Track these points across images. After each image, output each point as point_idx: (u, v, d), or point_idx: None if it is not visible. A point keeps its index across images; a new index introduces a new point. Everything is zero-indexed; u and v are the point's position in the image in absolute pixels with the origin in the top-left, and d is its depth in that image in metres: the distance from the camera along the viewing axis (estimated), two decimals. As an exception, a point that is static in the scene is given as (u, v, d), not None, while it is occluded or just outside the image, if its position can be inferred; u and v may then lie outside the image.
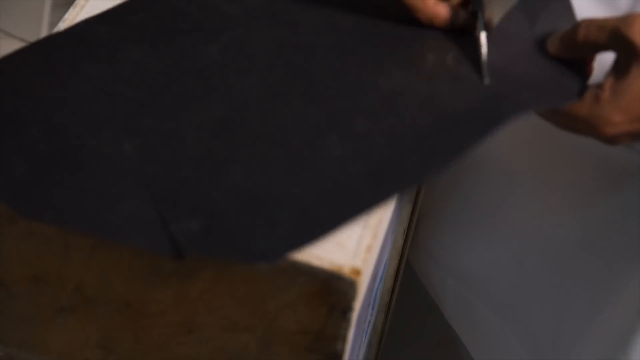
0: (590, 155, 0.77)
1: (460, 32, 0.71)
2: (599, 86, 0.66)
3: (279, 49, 0.70)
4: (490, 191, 0.84)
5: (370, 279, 0.67)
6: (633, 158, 0.75)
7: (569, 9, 0.69)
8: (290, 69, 0.69)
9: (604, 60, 0.69)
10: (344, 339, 0.63)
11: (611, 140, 0.67)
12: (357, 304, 0.62)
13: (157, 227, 0.60)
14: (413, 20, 0.71)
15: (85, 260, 0.64)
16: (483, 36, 0.68)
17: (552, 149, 0.79)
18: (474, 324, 0.90)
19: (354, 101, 0.67)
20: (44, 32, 1.66)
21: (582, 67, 0.68)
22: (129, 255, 0.63)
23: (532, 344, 0.85)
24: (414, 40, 0.71)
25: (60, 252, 0.64)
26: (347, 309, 0.61)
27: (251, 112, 0.66)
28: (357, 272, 0.60)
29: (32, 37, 1.67)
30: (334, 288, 0.61)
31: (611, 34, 0.65)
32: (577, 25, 0.67)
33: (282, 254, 0.59)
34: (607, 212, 0.78)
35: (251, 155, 0.64)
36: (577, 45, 0.67)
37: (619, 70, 0.65)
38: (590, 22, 0.66)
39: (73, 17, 0.72)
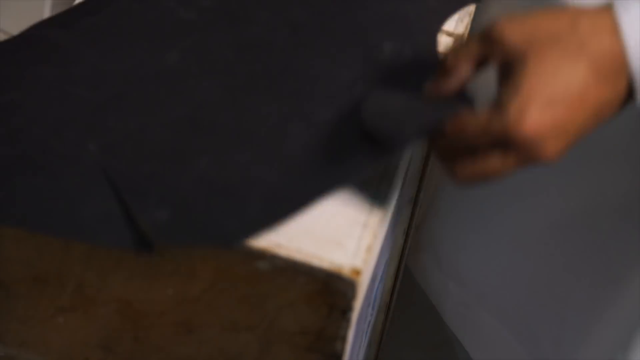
0: (591, 160, 0.77)
1: None
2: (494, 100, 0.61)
3: (238, 52, 0.70)
4: (493, 195, 0.84)
5: (370, 279, 0.67)
6: (634, 162, 0.75)
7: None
8: (250, 70, 0.69)
9: None
10: (344, 339, 0.63)
11: (541, 142, 0.60)
12: (357, 304, 0.62)
13: (123, 223, 0.60)
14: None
15: (85, 260, 0.64)
16: None
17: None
18: (475, 328, 0.90)
19: (316, 92, 0.68)
20: (44, 32, 1.66)
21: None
22: (129, 255, 0.63)
23: (534, 348, 0.85)
24: (371, 30, 0.72)
25: (60, 252, 0.64)
26: (347, 309, 0.61)
27: (215, 110, 0.67)
28: (357, 272, 0.60)
29: (32, 37, 1.67)
30: (334, 288, 0.61)
31: (480, 39, 0.61)
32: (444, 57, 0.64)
33: (250, 235, 0.60)
34: (608, 215, 0.78)
35: (217, 147, 0.64)
36: (450, 71, 0.63)
37: (505, 72, 0.61)
38: (455, 46, 0.64)
39: (73, 17, 0.72)
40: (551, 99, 0.59)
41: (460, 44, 0.64)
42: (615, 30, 0.60)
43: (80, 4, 0.72)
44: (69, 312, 0.67)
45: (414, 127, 0.62)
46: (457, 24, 0.76)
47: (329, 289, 0.61)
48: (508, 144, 0.60)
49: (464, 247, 0.88)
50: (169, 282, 0.64)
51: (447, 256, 0.90)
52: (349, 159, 0.63)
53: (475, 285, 0.88)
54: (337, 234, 0.62)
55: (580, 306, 0.81)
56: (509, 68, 0.61)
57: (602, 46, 0.60)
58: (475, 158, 0.62)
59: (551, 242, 0.82)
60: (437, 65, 0.65)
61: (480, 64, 0.63)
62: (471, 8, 0.78)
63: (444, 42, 0.74)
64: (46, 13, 1.65)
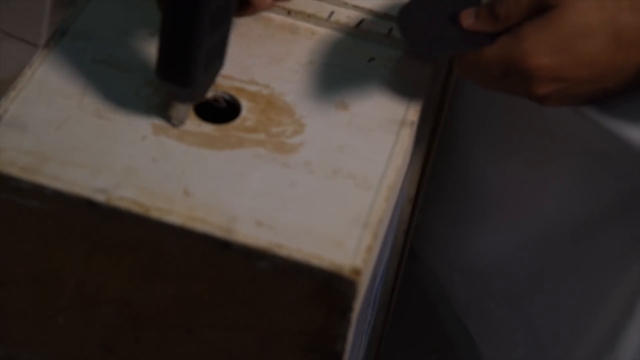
0: (585, 146, 0.77)
1: None
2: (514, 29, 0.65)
3: None
4: (490, 186, 0.84)
5: (370, 279, 0.67)
6: (627, 149, 0.75)
7: None
8: None
9: None
10: (344, 339, 0.63)
11: (539, 81, 0.65)
12: (357, 304, 0.62)
13: None
14: None
15: (85, 260, 0.64)
16: None
17: (547, 143, 0.79)
18: (482, 319, 0.90)
19: None
20: (44, 32, 1.66)
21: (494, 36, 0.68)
22: (129, 255, 0.63)
23: (534, 336, 0.86)
24: None
25: (60, 252, 0.64)
26: (347, 309, 0.61)
27: None
28: (357, 272, 0.60)
29: (32, 37, 1.67)
30: (334, 288, 0.61)
31: None
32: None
33: None
34: (604, 203, 0.78)
35: None
36: (499, 17, 0.66)
37: (535, 10, 0.65)
38: None
39: (73, 17, 0.72)
40: (565, 48, 0.64)
41: None
42: None
43: None
44: (69, 312, 0.67)
45: (440, 49, 0.68)
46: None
47: (329, 289, 0.61)
48: (512, 68, 0.65)
49: (465, 240, 0.88)
50: (169, 282, 0.64)
51: (450, 250, 0.90)
52: None
53: (479, 275, 0.88)
54: (337, 234, 0.62)
55: (576, 296, 0.81)
56: (541, 8, 0.65)
57: (632, 22, 0.64)
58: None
59: (548, 233, 0.82)
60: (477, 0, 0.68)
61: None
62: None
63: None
64: (46, 13, 1.66)
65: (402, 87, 0.71)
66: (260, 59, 0.72)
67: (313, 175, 0.65)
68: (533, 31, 0.64)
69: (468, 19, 0.68)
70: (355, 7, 0.75)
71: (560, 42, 0.64)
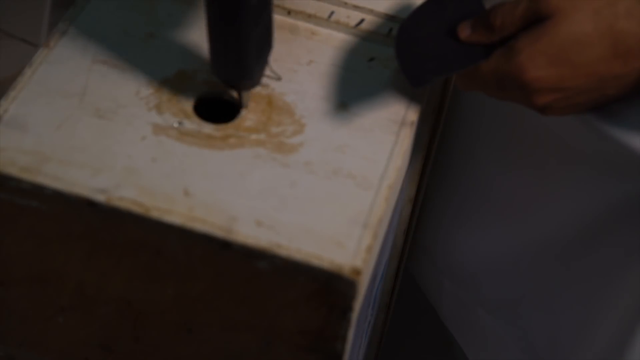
0: (587, 152, 0.77)
1: None
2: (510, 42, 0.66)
3: None
4: (488, 194, 0.84)
5: (370, 279, 0.67)
6: (629, 156, 0.75)
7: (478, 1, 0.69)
8: None
9: None
10: (344, 339, 0.63)
11: (537, 92, 0.65)
12: (357, 304, 0.62)
13: None
14: None
15: (85, 260, 0.64)
16: None
17: (548, 148, 0.79)
18: (470, 326, 0.90)
19: None
20: (44, 32, 1.66)
21: (490, 49, 0.68)
22: (129, 255, 0.63)
23: (527, 345, 0.85)
24: None
25: (60, 252, 0.64)
26: (347, 309, 0.61)
27: None
28: (357, 272, 0.60)
29: (32, 37, 1.67)
30: (334, 288, 0.61)
31: (529, 4, 0.65)
32: (491, 9, 0.67)
33: None
34: (605, 210, 0.78)
35: None
36: (494, 28, 0.66)
37: (529, 21, 0.65)
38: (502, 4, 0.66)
39: (73, 17, 0.72)
40: (562, 58, 0.64)
41: (509, 4, 0.66)
42: None
43: None
44: (69, 312, 0.67)
45: (433, 71, 0.68)
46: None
47: (329, 289, 0.61)
48: (509, 82, 0.65)
49: (457, 244, 0.88)
50: (169, 282, 0.64)
51: (441, 254, 0.90)
52: None
53: (470, 281, 0.88)
54: (337, 234, 0.62)
55: (576, 306, 0.81)
56: (535, 18, 0.64)
57: (630, 28, 0.63)
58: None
59: (546, 239, 0.82)
60: (479, 10, 0.67)
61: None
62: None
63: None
64: (46, 13, 1.65)
65: (402, 87, 0.71)
66: (260, 59, 0.72)
67: (313, 175, 0.65)
68: (528, 43, 0.64)
69: (465, 31, 0.67)
70: (355, 7, 0.75)
71: (556, 52, 0.64)
